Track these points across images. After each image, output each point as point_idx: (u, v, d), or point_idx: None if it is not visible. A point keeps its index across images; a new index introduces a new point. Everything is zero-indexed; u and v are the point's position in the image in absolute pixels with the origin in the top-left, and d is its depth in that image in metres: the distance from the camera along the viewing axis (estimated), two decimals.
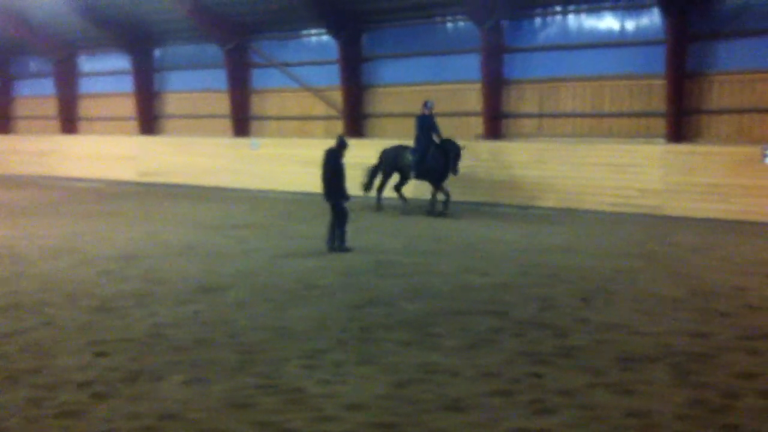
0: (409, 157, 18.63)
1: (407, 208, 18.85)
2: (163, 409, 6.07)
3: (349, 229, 13.42)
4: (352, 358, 7.36)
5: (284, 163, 24.20)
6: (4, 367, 7.11)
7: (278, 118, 26.21)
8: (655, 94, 18.67)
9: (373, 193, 19.33)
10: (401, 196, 19.22)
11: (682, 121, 18.34)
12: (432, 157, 18.25)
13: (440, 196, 18.33)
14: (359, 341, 7.94)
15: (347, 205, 13.28)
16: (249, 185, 24.79)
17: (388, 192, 19.52)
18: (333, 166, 13.12)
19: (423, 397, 6.31)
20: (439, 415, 5.93)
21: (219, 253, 13.14)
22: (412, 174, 18.69)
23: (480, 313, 9.07)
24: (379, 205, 19.06)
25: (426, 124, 18.50)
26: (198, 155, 26.52)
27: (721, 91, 18.01)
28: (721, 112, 18.07)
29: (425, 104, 18.63)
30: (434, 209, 18.27)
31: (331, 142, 13.58)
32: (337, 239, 13.18)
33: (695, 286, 10.48)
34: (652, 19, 18.73)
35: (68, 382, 6.70)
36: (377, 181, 19.34)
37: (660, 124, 18.59)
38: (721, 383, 6.58)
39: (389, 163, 19.12)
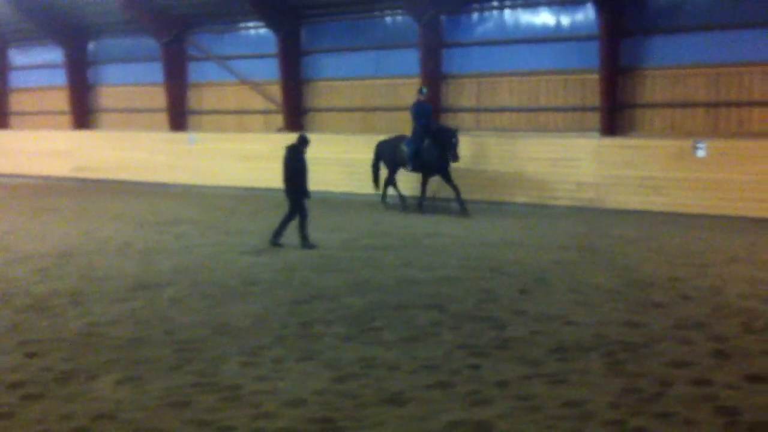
0: (405, 149, 17.83)
1: (385, 206, 18.26)
2: (97, 409, 5.97)
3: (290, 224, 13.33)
4: (291, 353, 7.33)
5: (222, 157, 23.92)
6: None
7: (216, 113, 25.90)
8: (590, 88, 18.98)
9: (380, 188, 18.45)
10: (383, 193, 18.55)
11: (615, 116, 18.69)
12: (426, 149, 17.44)
13: (441, 191, 17.70)
14: (299, 337, 7.91)
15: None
16: (186, 180, 24.43)
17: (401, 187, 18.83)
18: (295, 163, 13.00)
19: (362, 391, 6.32)
20: (378, 409, 5.95)
21: (156, 250, 12.95)
22: (408, 167, 17.92)
23: (420, 306, 9.12)
24: (403, 203, 18.15)
25: (423, 111, 17.69)
26: (134, 150, 26.02)
27: (653, 85, 18.41)
28: (653, 106, 18.48)
29: (420, 91, 17.98)
30: (463, 206, 17.14)
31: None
32: (300, 239, 13.01)
33: (630, 277, 10.70)
34: (586, 15, 19.03)
35: None
36: (383, 177, 18.50)
37: (594, 118, 18.92)
38: (654, 372, 6.73)
39: (388, 156, 18.27)
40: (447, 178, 17.61)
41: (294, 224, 13.15)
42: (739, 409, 5.86)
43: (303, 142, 13.23)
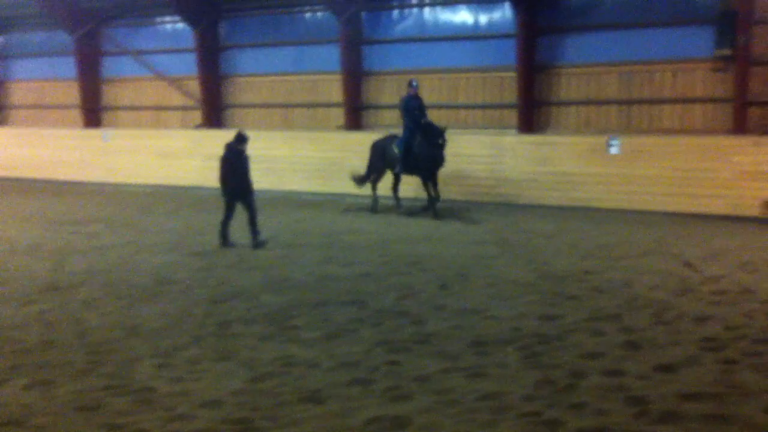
0: (396, 150, 16.54)
1: (400, 210, 16.98)
2: (5, 414, 5.77)
3: (218, 221, 13.06)
4: (208, 354, 7.21)
5: (139, 154, 23.38)
6: None
7: (132, 109, 25.32)
8: (507, 86, 19.28)
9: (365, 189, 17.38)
10: (395, 197, 17.18)
11: (532, 113, 19.04)
12: (419, 146, 16.13)
13: (431, 192, 16.30)
14: (216, 337, 7.79)
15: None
16: (101, 178, 23.80)
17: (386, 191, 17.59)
18: (238, 161, 12.63)
19: (280, 390, 6.26)
20: (296, 408, 5.90)
21: (68, 250, 12.57)
22: (397, 168, 16.58)
23: (340, 303, 9.09)
24: (374, 205, 17.06)
25: (414, 105, 16.38)
26: (46, 147, 25.23)
27: (568, 83, 18.82)
28: (568, 103, 18.88)
29: (410, 83, 16.56)
30: (435, 207, 16.20)
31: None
32: (252, 235, 12.74)
33: (546, 270, 10.90)
34: (503, 13, 19.34)
35: None
36: (372, 177, 17.32)
37: (512, 116, 19.23)
38: (568, 364, 6.86)
39: (378, 157, 17.04)
40: (429, 178, 16.33)
41: (242, 221, 12.88)
42: (648, 399, 6.01)
43: (242, 140, 12.84)
